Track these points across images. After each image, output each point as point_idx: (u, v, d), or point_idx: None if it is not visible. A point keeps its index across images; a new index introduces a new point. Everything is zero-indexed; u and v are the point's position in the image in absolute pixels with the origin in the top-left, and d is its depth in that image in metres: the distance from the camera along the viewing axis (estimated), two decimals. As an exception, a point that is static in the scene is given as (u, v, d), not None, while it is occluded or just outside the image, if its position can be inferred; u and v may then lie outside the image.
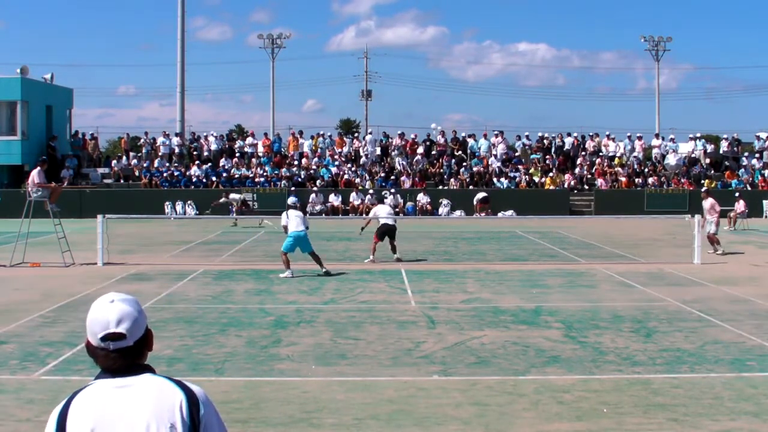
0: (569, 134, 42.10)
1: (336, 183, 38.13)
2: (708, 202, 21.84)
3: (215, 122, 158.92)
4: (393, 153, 40.93)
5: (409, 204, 36.23)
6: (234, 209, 32.25)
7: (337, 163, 39.78)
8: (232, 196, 33.38)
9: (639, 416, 7.46)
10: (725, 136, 42.05)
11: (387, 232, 19.85)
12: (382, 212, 20.22)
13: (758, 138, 41.41)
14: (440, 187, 38.32)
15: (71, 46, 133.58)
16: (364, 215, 33.44)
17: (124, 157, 40.81)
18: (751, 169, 39.24)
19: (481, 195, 35.77)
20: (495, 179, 38.86)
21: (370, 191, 36.46)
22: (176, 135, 42.45)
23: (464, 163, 39.75)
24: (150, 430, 2.76)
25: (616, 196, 37.03)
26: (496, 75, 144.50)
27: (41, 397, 8.06)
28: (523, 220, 31.67)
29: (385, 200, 23.75)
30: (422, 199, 36.35)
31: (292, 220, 17.32)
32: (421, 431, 7.14)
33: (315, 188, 36.88)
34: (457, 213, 35.75)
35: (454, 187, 38.07)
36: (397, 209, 35.50)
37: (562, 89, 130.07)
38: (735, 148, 41.09)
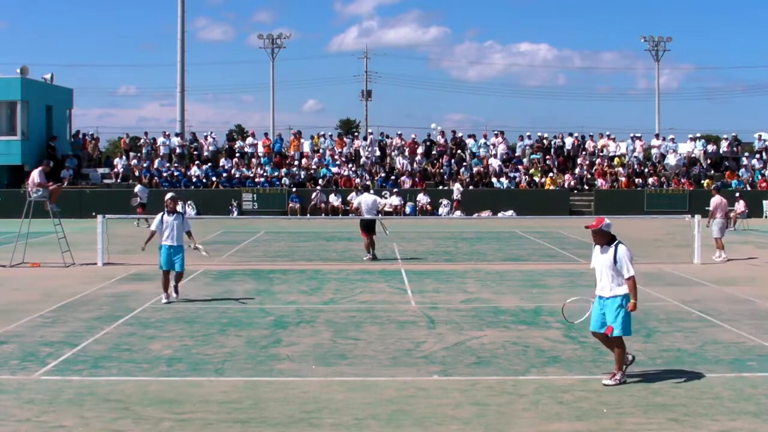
0: (571, 134, 42.11)
1: (336, 183, 38.13)
2: (712, 201, 20.62)
3: (215, 122, 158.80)
4: (393, 153, 40.94)
5: (409, 204, 36.23)
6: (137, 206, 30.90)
7: (337, 163, 39.79)
8: (138, 188, 32.20)
9: (639, 416, 7.47)
10: (725, 136, 42.07)
11: (366, 226, 20.10)
12: (364, 205, 20.37)
13: (759, 138, 41.39)
14: (440, 187, 38.32)
15: (71, 46, 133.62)
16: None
17: (124, 157, 40.80)
18: (751, 169, 39.23)
19: (457, 195, 35.84)
20: (495, 179, 38.86)
21: (370, 191, 36.40)
22: (176, 135, 42.46)
23: (464, 163, 39.76)
24: None
25: (616, 196, 37.03)
26: (498, 75, 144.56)
27: (41, 397, 8.06)
28: (523, 220, 31.69)
29: (370, 191, 23.88)
30: (422, 199, 36.37)
31: (166, 226, 13.60)
32: (421, 431, 7.15)
33: (318, 188, 36.84)
34: (457, 213, 35.76)
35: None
36: (397, 207, 35.64)
37: (563, 89, 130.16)
38: (734, 148, 41.08)
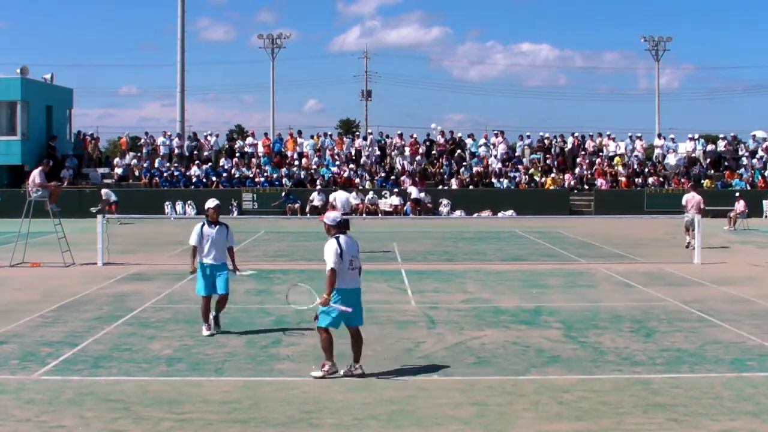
0: (573, 134, 42.10)
1: (336, 183, 38.09)
2: (684, 197, 22.72)
3: (216, 122, 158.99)
4: (393, 153, 40.93)
5: (409, 204, 36.22)
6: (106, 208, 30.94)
7: (337, 163, 39.78)
8: (104, 192, 32.61)
9: (639, 416, 7.47)
10: (722, 135, 42.12)
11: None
12: (339, 202, 20.89)
13: (753, 137, 41.39)
14: (440, 187, 38.32)
15: (72, 46, 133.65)
16: (363, 215, 33.63)
17: (126, 156, 40.79)
18: (751, 169, 39.22)
19: (415, 195, 35.82)
20: (495, 179, 38.86)
21: (371, 191, 36.50)
22: (177, 136, 42.45)
23: (464, 163, 39.75)
24: None
25: (616, 196, 37.03)
26: (499, 75, 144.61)
27: (41, 397, 8.06)
28: (523, 220, 31.68)
29: (346, 188, 25.49)
30: (422, 198, 36.36)
31: (207, 240, 11.04)
32: (421, 431, 7.15)
33: (318, 187, 36.81)
34: (457, 213, 35.76)
35: (455, 187, 38.08)
36: (397, 207, 35.70)
37: (564, 89, 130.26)
38: (734, 148, 41.05)
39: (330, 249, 8.82)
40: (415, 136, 42.19)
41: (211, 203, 11.22)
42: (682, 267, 18.19)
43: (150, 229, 29.75)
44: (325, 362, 8.84)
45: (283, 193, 36.43)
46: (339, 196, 21.28)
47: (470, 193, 37.48)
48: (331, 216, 9.25)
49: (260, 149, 40.97)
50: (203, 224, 11.11)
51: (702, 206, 21.97)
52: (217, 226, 11.11)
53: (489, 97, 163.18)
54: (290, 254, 21.58)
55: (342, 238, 9.02)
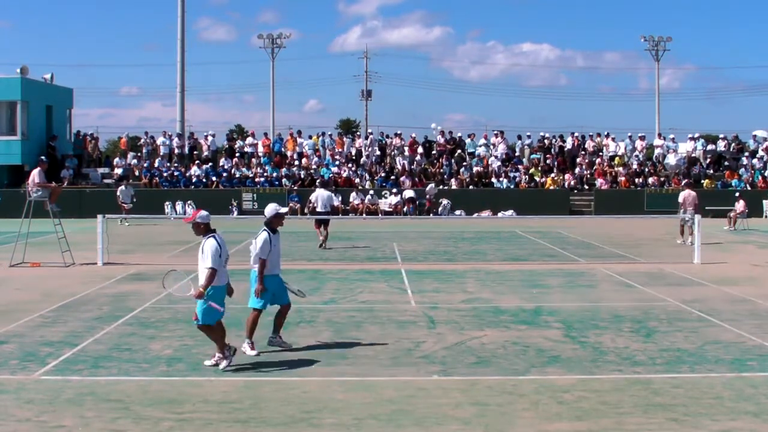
0: (573, 134, 42.10)
1: (336, 183, 38.10)
2: (681, 195, 24.04)
3: (216, 122, 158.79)
4: (393, 153, 40.92)
5: (406, 204, 36.23)
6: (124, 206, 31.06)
7: (337, 163, 39.78)
8: (121, 189, 32.57)
9: (639, 416, 7.47)
10: (722, 135, 42.12)
11: (319, 220, 21.91)
12: (320, 200, 21.72)
13: (754, 137, 41.38)
14: (440, 187, 38.31)
15: (72, 46, 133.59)
16: (364, 215, 33.67)
17: (127, 156, 40.78)
18: (751, 169, 39.21)
19: (408, 194, 35.88)
20: (495, 179, 38.86)
21: (371, 191, 36.51)
22: (177, 136, 42.45)
23: (464, 163, 39.75)
24: None
25: (616, 196, 37.02)
26: (499, 75, 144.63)
27: (41, 397, 8.06)
28: (523, 220, 31.68)
29: (328, 186, 26.16)
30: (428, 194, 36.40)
31: (273, 250, 9.99)
32: (421, 431, 7.15)
33: (315, 188, 36.81)
34: (457, 213, 35.76)
35: (454, 187, 38.07)
36: (397, 207, 35.71)
37: (564, 89, 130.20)
38: (732, 148, 41.05)
39: (212, 249, 8.96)
40: (413, 135, 42.27)
41: (283, 209, 10.25)
42: (682, 267, 18.20)
43: (150, 229, 29.75)
44: (219, 352, 9.26)
45: (294, 189, 36.57)
46: (320, 195, 21.46)
47: (470, 193, 37.47)
48: (203, 214, 9.30)
49: (260, 149, 40.98)
50: (269, 233, 9.96)
51: (696, 203, 22.51)
52: (277, 235, 10.15)
53: (489, 97, 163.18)
54: (290, 254, 21.55)
55: (217, 237, 9.19)
